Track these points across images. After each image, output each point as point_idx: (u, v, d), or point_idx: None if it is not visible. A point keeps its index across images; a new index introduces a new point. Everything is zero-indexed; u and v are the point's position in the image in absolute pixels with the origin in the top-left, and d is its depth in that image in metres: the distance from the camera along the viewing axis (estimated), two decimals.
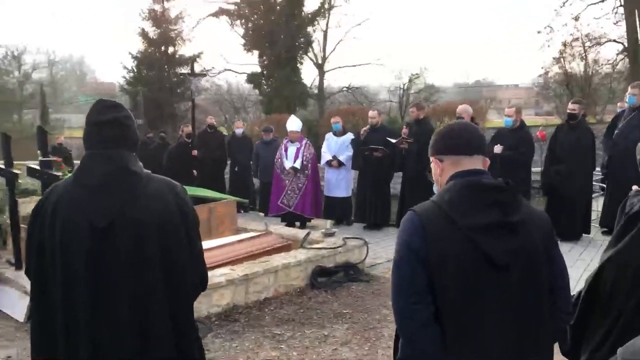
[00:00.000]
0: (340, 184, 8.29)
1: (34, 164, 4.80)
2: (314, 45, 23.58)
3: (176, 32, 22.91)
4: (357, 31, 32.96)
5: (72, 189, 1.86)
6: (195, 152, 9.61)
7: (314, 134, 15.71)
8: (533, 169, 7.31)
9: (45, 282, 1.84)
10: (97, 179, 1.83)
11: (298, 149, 7.96)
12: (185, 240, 1.90)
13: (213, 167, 9.69)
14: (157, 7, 22.66)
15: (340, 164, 8.16)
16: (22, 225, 4.81)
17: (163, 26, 22.58)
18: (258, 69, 22.15)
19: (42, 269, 1.85)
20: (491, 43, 78.56)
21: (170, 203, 1.88)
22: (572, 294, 1.87)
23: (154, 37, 22.59)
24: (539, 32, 19.56)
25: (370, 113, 8.33)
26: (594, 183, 7.46)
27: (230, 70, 24.36)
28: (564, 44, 19.34)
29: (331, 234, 5.81)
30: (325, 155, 8.31)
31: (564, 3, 19.07)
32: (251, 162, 9.55)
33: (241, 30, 22.32)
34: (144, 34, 22.60)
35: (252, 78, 22.32)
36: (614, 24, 19.00)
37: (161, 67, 22.58)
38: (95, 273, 1.77)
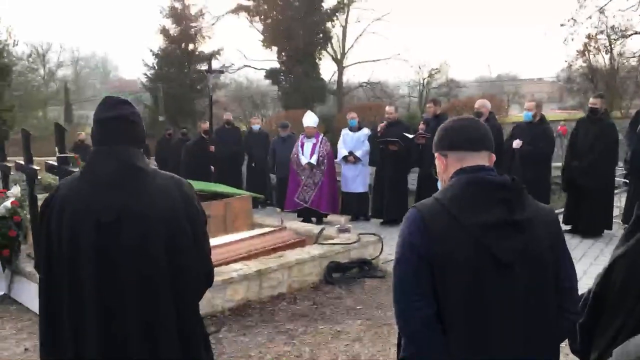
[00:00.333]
0: (356, 180, 8.26)
1: (53, 160, 4.89)
2: (333, 40, 23.53)
3: (196, 29, 23.06)
4: (376, 26, 32.71)
5: (78, 185, 1.88)
6: (212, 148, 9.68)
7: (332, 130, 15.68)
8: (553, 164, 7.18)
9: (53, 279, 1.87)
10: (104, 175, 1.85)
11: (314, 145, 7.95)
12: (191, 236, 1.90)
13: (230, 162, 9.75)
14: (178, 5, 22.84)
15: (357, 160, 8.13)
16: None
17: (183, 23, 22.74)
18: (277, 65, 22.18)
19: (50, 265, 1.87)
20: (514, 36, 77.29)
21: (176, 199, 1.89)
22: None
23: (175, 35, 22.77)
24: (562, 25, 19.17)
25: (387, 108, 8.28)
26: (616, 178, 7.29)
27: (249, 66, 24.47)
28: (589, 37, 18.91)
29: (346, 230, 5.79)
30: (342, 151, 8.28)
31: None
32: (268, 158, 9.58)
33: (260, 26, 22.36)
34: (164, 31, 22.80)
35: (270, 74, 22.37)
36: None
37: (181, 63, 22.77)
38: (102, 268, 1.79)
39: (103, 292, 1.78)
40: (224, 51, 23.18)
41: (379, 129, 7.96)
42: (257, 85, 26.54)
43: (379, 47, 61.78)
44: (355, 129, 8.35)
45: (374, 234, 5.87)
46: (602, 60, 19.18)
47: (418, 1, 59.68)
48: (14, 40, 20.65)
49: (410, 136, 7.55)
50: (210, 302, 4.27)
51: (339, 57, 24.41)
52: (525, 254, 1.53)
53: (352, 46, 24.77)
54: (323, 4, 21.74)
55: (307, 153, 7.95)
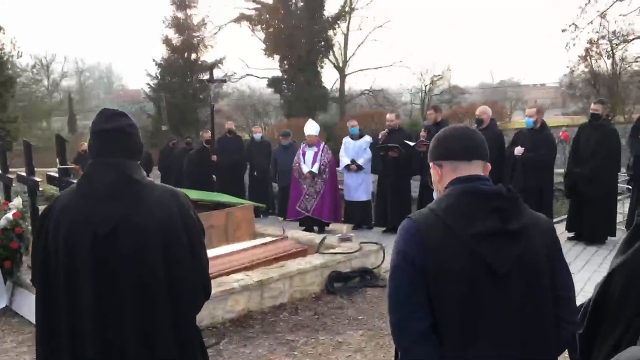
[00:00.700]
0: (359, 188, 8.24)
1: (54, 172, 4.90)
2: (335, 48, 23.62)
3: (198, 38, 23.21)
4: (378, 33, 32.78)
5: (75, 198, 1.88)
6: (214, 157, 9.70)
7: (334, 138, 15.70)
8: (556, 171, 7.15)
9: (50, 291, 1.87)
10: (100, 188, 1.85)
11: (316, 153, 7.95)
12: (188, 247, 1.90)
13: (232, 171, 9.77)
14: (180, 15, 23.01)
15: (359, 168, 8.12)
16: None
17: (186, 33, 22.91)
18: (279, 74, 22.28)
19: (47, 277, 1.87)
20: (516, 41, 77.34)
21: (172, 211, 1.89)
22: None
23: (177, 44, 22.94)
24: (563, 31, 19.17)
25: (388, 116, 8.28)
26: (619, 184, 7.25)
27: (251, 75, 24.59)
28: (590, 42, 18.92)
29: (347, 239, 5.78)
30: (344, 160, 8.28)
31: (589, 0, 18.65)
32: (270, 167, 9.59)
33: (262, 35, 22.50)
34: (167, 41, 22.96)
35: (273, 82, 22.47)
36: None
37: (184, 73, 22.91)
38: (99, 280, 1.79)
39: (100, 304, 1.79)
40: (226, 60, 23.35)
41: (380, 136, 7.96)
42: (260, 93, 26.64)
43: (381, 55, 61.86)
44: (356, 136, 8.35)
45: (375, 243, 5.85)
46: (604, 65, 19.20)
47: (419, 8, 59.87)
48: (18, 52, 20.86)
49: (412, 143, 7.54)
50: (210, 313, 4.26)
51: (340, 64, 24.50)
52: (520, 263, 1.52)
53: (353, 54, 24.91)
54: (325, 12, 21.88)
55: (308, 162, 7.95)
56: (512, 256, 1.51)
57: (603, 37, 18.86)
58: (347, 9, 22.91)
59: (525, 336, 1.52)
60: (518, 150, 6.56)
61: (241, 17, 22.83)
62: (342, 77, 24.62)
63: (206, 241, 2.04)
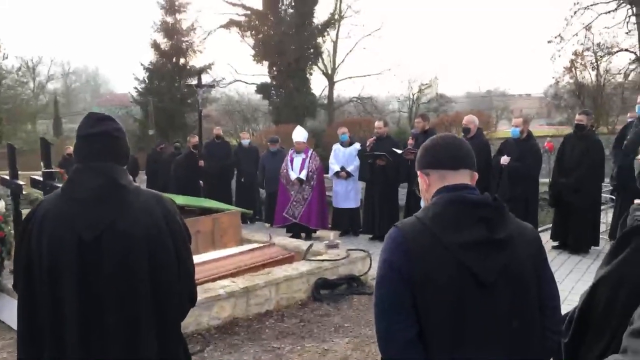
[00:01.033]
0: (349, 195, 8.25)
1: (38, 175, 4.84)
2: (324, 55, 23.70)
3: (187, 43, 23.12)
4: (367, 41, 33.00)
5: (60, 202, 1.86)
6: (202, 163, 9.65)
7: (322, 145, 15.71)
8: (541, 180, 7.23)
9: (32, 297, 1.84)
10: (85, 192, 1.83)
11: (304, 160, 7.95)
12: (173, 254, 1.89)
13: (220, 177, 9.73)
14: (169, 19, 22.92)
15: (349, 175, 8.13)
16: None
17: (175, 37, 22.80)
18: (268, 80, 22.27)
19: (30, 283, 1.84)
20: (503, 52, 78.29)
21: (158, 217, 1.88)
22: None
23: (166, 49, 22.82)
24: (549, 42, 19.46)
25: (376, 124, 8.31)
26: (603, 194, 7.35)
27: (240, 80, 24.53)
28: (575, 54, 19.21)
29: (334, 246, 5.77)
30: (334, 167, 8.28)
31: (574, 12, 18.97)
32: (257, 173, 9.56)
33: (251, 41, 22.48)
34: (155, 45, 22.83)
35: (261, 88, 22.45)
36: (626, 33, 18.83)
37: (172, 77, 22.78)
38: (83, 286, 1.77)
39: (84, 309, 1.76)
40: (215, 65, 23.26)
41: (368, 143, 7.98)
42: (248, 99, 26.60)
43: (370, 62, 62.21)
44: (346, 143, 8.36)
45: (362, 250, 5.85)
46: (588, 76, 19.47)
47: (408, 17, 60.46)
48: (4, 54, 20.62)
49: (399, 151, 7.57)
50: (196, 319, 4.22)
51: (329, 72, 24.57)
52: (506, 272, 1.53)
53: (342, 61, 25.01)
54: (314, 20, 21.93)
55: (296, 168, 7.94)
56: (498, 265, 1.52)
57: (588, 49, 19.19)
58: (336, 16, 23.02)
59: (512, 345, 1.53)
60: (504, 159, 6.62)
61: (231, 23, 22.79)
62: (331, 84, 24.69)
63: (192, 247, 2.03)
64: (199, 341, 4.09)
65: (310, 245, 5.91)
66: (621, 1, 18.67)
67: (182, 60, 23.00)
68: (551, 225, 7.18)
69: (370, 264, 5.63)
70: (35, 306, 1.82)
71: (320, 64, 23.65)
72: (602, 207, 7.34)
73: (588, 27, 18.91)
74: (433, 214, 1.56)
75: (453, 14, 78.67)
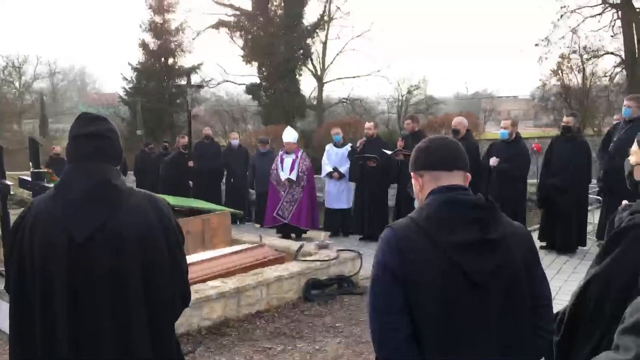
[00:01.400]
0: (341, 196, 8.26)
1: (25, 175, 4.79)
2: (313, 56, 23.72)
3: (176, 43, 23.02)
4: (356, 43, 33.06)
5: (51, 203, 1.84)
6: (191, 163, 9.60)
7: (312, 145, 15.73)
8: (529, 181, 7.30)
9: (24, 297, 1.82)
10: (78, 193, 1.82)
11: (294, 161, 7.95)
12: (166, 255, 1.88)
13: (209, 177, 9.69)
14: (158, 19, 22.80)
15: (341, 176, 8.14)
16: None
17: (163, 37, 22.70)
18: (257, 80, 22.25)
19: (22, 284, 1.83)
20: (491, 54, 78.95)
21: (151, 217, 1.86)
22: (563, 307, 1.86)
23: (154, 49, 22.71)
24: (536, 45, 19.67)
25: (367, 125, 8.35)
26: (590, 195, 7.44)
27: (229, 81, 24.48)
28: (562, 57, 19.44)
29: (325, 246, 5.78)
30: (326, 167, 8.29)
31: (561, 16, 19.19)
32: (247, 173, 9.54)
33: (240, 42, 22.46)
34: (144, 45, 22.71)
35: (251, 89, 22.42)
36: (612, 36, 19.11)
37: (161, 77, 22.68)
38: (75, 287, 1.76)
39: (76, 311, 1.75)
40: (204, 66, 23.21)
41: (358, 144, 8.01)
42: (237, 100, 26.53)
43: (359, 64, 62.44)
44: (339, 144, 8.38)
45: (353, 251, 5.87)
46: (575, 79, 19.72)
47: (397, 19, 60.72)
48: None
49: (389, 152, 7.61)
50: (187, 320, 4.20)
51: (319, 73, 24.59)
52: (499, 272, 1.55)
53: (332, 62, 25.04)
54: (303, 21, 21.97)
55: (286, 169, 7.94)
56: (491, 266, 1.54)
57: (574, 52, 19.44)
58: (325, 18, 23.06)
59: (505, 344, 1.55)
60: (493, 161, 6.68)
61: (220, 23, 22.75)
62: (321, 85, 24.72)
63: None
64: (189, 342, 4.08)
65: (301, 246, 5.91)
66: (607, 5, 18.93)
67: (170, 60, 22.92)
68: (538, 226, 7.25)
69: (361, 265, 5.65)
70: (27, 308, 1.81)
71: (309, 65, 23.69)
72: (589, 207, 7.43)
73: (574, 31, 19.16)
74: (427, 214, 1.58)
75: (442, 16, 79.21)
